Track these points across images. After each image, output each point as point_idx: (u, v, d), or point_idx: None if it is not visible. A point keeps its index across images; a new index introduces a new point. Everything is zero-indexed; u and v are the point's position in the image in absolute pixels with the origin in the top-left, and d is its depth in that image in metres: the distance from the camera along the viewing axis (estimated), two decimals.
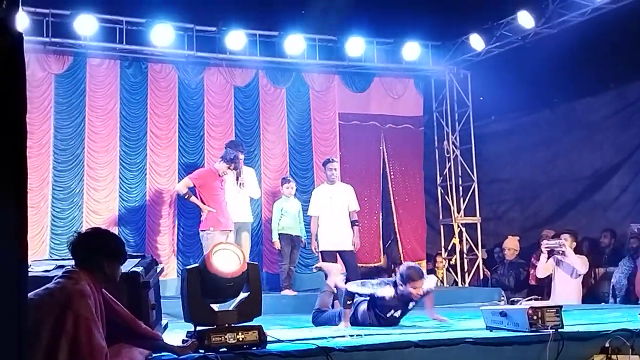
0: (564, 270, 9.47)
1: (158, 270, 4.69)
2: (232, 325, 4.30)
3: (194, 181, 9.00)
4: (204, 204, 8.86)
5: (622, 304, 8.94)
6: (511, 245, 11.15)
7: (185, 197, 8.97)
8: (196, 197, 9.03)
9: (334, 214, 9.21)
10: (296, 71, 11.78)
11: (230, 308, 4.47)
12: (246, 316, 4.40)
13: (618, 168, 11.58)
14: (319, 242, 9.33)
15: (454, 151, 12.70)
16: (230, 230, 8.98)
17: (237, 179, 9.44)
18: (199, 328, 4.29)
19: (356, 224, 9.27)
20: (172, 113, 11.06)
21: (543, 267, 9.52)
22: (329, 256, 9.16)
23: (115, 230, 9.81)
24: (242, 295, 4.48)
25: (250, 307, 4.44)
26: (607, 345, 4.77)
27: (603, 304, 9.38)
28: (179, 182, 10.15)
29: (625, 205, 11.30)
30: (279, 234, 9.72)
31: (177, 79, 11.13)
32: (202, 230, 8.91)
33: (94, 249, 3.77)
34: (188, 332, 4.35)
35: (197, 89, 11.23)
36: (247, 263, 4.38)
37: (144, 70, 10.98)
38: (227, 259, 4.29)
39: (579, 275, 9.43)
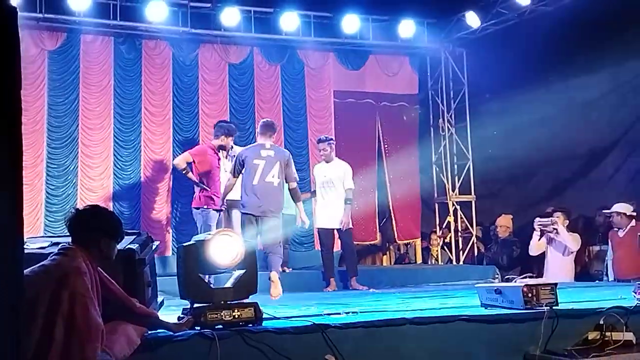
0: (556, 248, 9.51)
1: (154, 247, 4.69)
2: (228, 302, 4.32)
3: (194, 157, 8.89)
4: (200, 181, 8.79)
5: (616, 282, 8.99)
6: (504, 223, 11.20)
7: (183, 172, 8.87)
8: (193, 173, 8.96)
9: (328, 192, 9.20)
10: (291, 48, 11.75)
11: (226, 285, 4.48)
12: (242, 293, 4.41)
13: (613, 146, 11.60)
14: (316, 220, 9.31)
15: (449, 129, 12.70)
16: (223, 209, 8.86)
17: (226, 157, 9.33)
18: (195, 305, 4.29)
19: (348, 202, 9.19)
20: (166, 90, 11.03)
21: (535, 245, 9.55)
22: (324, 233, 9.17)
23: (110, 207, 9.80)
24: (238, 272, 4.49)
25: (246, 285, 4.45)
26: (601, 322, 4.79)
27: (597, 281, 9.43)
28: (173, 159, 10.12)
29: (619, 184, 11.32)
30: None
31: (171, 56, 11.09)
32: (195, 208, 8.87)
33: (91, 227, 3.76)
34: (184, 309, 4.36)
35: (191, 66, 11.19)
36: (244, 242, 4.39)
37: (138, 47, 10.93)
38: (225, 249, 4.30)
39: (571, 253, 9.47)
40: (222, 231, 4.50)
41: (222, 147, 8.93)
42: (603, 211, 9.55)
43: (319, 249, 9.53)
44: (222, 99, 11.34)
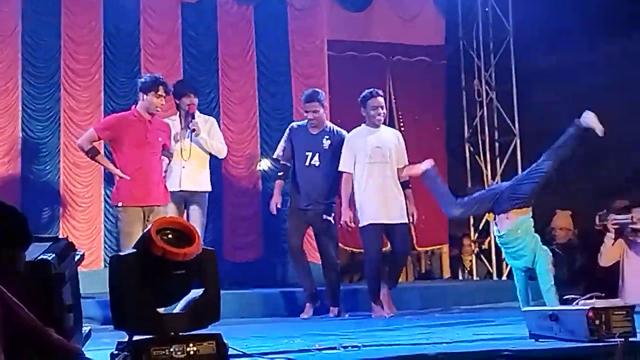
0: (636, 255, 9.55)
1: (77, 258, 4.68)
2: (181, 334, 4.31)
3: (100, 133, 8.64)
4: (116, 166, 8.43)
5: None
6: (562, 223, 11.21)
7: (89, 156, 8.61)
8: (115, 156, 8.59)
9: (379, 171, 9.00)
10: None
11: (178, 310, 4.47)
12: (200, 321, 4.40)
13: None
14: (361, 213, 9.05)
15: (488, 94, 12.73)
16: (159, 206, 8.62)
17: (188, 131, 9.22)
18: (134, 338, 4.29)
19: (409, 185, 9.03)
20: (95, 40, 11.00)
21: (609, 251, 9.58)
22: (371, 233, 8.87)
23: (17, 204, 9.78)
24: (194, 293, 4.48)
25: (206, 309, 4.44)
26: None
27: None
28: None
29: None
30: None
31: None
32: (113, 206, 8.67)
33: None
34: (119, 343, 4.35)
35: (130, 6, 11.15)
36: (202, 248, 4.38)
37: None
38: (176, 234, 4.29)
39: None
40: (167, 217, 4.48)
41: (150, 112, 8.55)
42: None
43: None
44: (174, 52, 11.30)
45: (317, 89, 9.42)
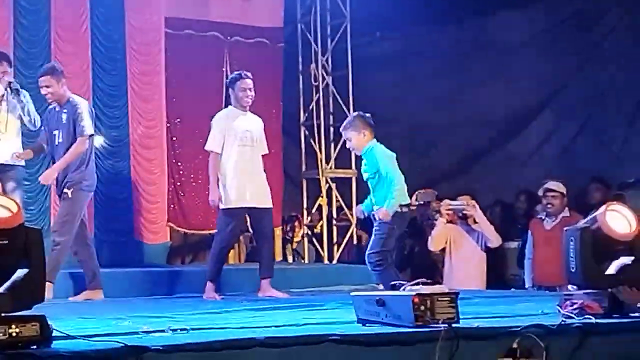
0: (466, 242, 9.78)
1: None
2: (3, 315, 4.21)
3: None
4: None
5: (537, 290, 9.35)
6: None
7: None
8: None
9: (249, 155, 9.01)
10: None
11: (1, 290, 4.36)
12: (23, 302, 4.31)
13: (540, 110, 12.03)
14: (224, 196, 8.96)
15: (324, 78, 12.82)
16: None
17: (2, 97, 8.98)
18: None
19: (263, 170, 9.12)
20: None
21: (439, 235, 9.79)
22: (235, 216, 8.88)
23: None
24: (19, 272, 4.38)
25: (30, 290, 4.35)
26: (514, 345, 4.94)
27: (513, 289, 9.76)
28: None
29: (546, 159, 11.76)
30: None
31: None
32: None
33: None
34: None
35: None
36: (26, 228, 4.28)
37: None
38: None
39: (487, 250, 9.77)
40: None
41: None
42: (543, 188, 9.66)
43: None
44: (2, 24, 10.96)
45: (54, 63, 9.25)
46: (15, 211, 4.22)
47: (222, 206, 8.80)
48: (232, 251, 12.88)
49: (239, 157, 8.84)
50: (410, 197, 10.24)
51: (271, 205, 9.06)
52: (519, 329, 5.01)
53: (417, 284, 5.21)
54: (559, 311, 5.48)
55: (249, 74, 9.14)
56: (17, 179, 8.97)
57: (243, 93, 9.00)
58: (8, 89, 8.75)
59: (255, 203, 8.86)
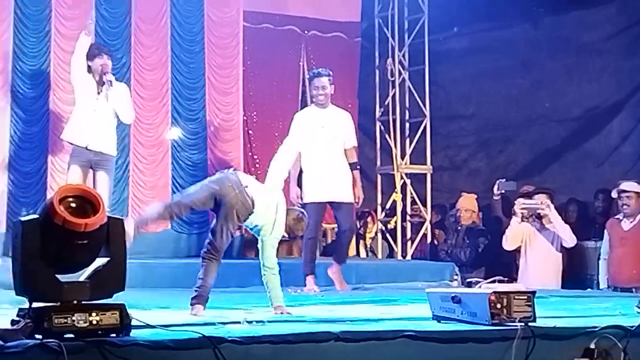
0: (540, 241, 9.70)
1: None
2: (84, 303, 4.26)
3: None
4: None
5: (613, 291, 9.23)
6: (467, 205, 11.36)
7: None
8: None
9: (325, 151, 9.15)
10: None
11: (82, 279, 4.42)
12: (104, 291, 4.36)
13: (619, 108, 11.86)
14: (303, 191, 9.15)
15: (400, 73, 12.77)
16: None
17: (100, 89, 9.24)
18: (35, 305, 4.23)
19: (357, 166, 9.26)
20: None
21: (514, 235, 9.71)
22: (315, 210, 8.94)
23: None
24: (99, 261, 4.44)
25: (110, 279, 4.40)
26: (592, 346, 4.89)
27: (589, 289, 9.66)
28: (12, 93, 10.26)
29: (626, 158, 11.59)
30: None
31: None
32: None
33: None
34: (20, 309, 4.29)
35: None
36: (108, 217, 4.33)
37: None
38: (79, 203, 4.22)
39: (562, 249, 9.68)
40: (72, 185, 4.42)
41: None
42: (617, 189, 9.56)
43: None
44: (84, 14, 11.04)
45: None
46: (100, 211, 4.26)
47: (304, 200, 8.94)
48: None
49: (317, 152, 8.97)
50: (492, 186, 10.24)
51: (351, 200, 9.16)
52: (596, 329, 4.96)
53: (494, 281, 5.18)
54: (638, 312, 5.41)
55: (324, 72, 9.25)
56: (108, 168, 9.24)
57: (316, 91, 9.19)
58: (107, 81, 8.99)
59: (335, 197, 9.00)
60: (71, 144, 9.35)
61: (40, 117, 10.70)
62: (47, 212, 4.22)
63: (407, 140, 12.74)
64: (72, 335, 4.15)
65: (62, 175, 10.27)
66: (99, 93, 9.19)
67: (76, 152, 9.21)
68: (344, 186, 9.10)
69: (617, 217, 9.59)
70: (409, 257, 12.39)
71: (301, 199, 8.97)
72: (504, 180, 10.28)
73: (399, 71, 12.76)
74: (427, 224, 12.48)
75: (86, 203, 4.30)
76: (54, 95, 10.70)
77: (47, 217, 4.21)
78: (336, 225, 9.57)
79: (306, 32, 12.49)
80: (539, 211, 9.62)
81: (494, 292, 4.97)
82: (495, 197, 10.42)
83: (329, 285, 9.13)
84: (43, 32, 10.89)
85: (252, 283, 9.15)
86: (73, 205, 4.26)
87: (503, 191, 10.19)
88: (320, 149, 9.03)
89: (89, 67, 9.23)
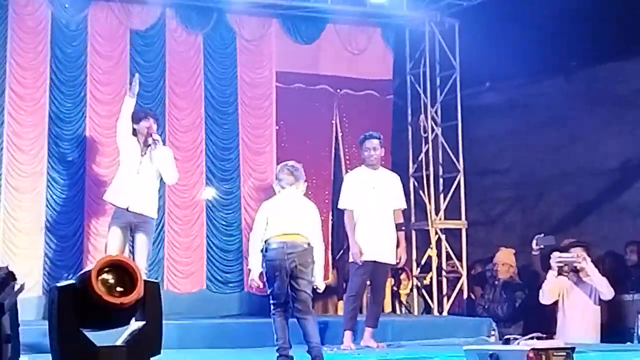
0: (578, 295, 9.62)
1: (17, 288, 4.60)
2: None
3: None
4: None
5: None
6: (505, 259, 11.29)
7: None
8: None
9: (375, 211, 9.21)
10: (218, 11, 11.74)
11: (118, 343, 4.41)
12: (140, 355, 4.35)
13: None
14: (355, 250, 9.18)
15: (433, 129, 12.77)
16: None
17: (145, 151, 9.32)
18: None
19: (402, 227, 9.39)
20: (41, 65, 10.93)
21: (551, 288, 9.64)
22: (363, 269, 9.07)
23: None
24: (135, 324, 4.43)
25: (146, 342, 4.38)
26: None
27: (629, 343, 9.55)
28: (50, 159, 10.19)
29: None
30: None
31: (49, 17, 10.98)
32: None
33: None
34: None
35: (78, 32, 11.13)
36: (145, 281, 4.33)
37: (2, 2, 10.80)
38: (118, 276, 4.22)
39: (600, 302, 9.59)
40: (111, 257, 4.42)
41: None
42: None
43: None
44: (120, 78, 11.22)
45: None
46: (137, 287, 4.25)
47: (353, 259, 9.09)
48: (340, 302, 12.91)
49: (367, 213, 9.10)
50: (530, 242, 10.20)
51: (394, 262, 9.31)
52: None
53: (532, 338, 5.14)
54: None
55: (375, 134, 9.46)
56: (148, 230, 9.29)
57: (367, 153, 9.36)
58: (152, 143, 9.10)
59: (380, 258, 9.10)
60: (112, 204, 9.42)
61: (76, 181, 10.82)
62: (84, 284, 4.23)
63: (442, 196, 12.70)
64: None
65: (99, 238, 10.37)
66: (142, 155, 9.27)
67: (117, 214, 9.28)
68: (390, 247, 9.21)
69: None
70: (445, 312, 12.30)
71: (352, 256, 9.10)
72: (542, 235, 10.22)
73: (432, 127, 12.76)
74: (463, 279, 12.40)
75: (125, 275, 4.30)
76: (90, 159, 10.80)
77: (84, 287, 4.21)
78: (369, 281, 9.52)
79: (338, 90, 12.51)
80: (575, 264, 9.55)
81: (533, 349, 4.94)
82: (534, 253, 10.35)
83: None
84: (79, 97, 11.06)
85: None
86: (111, 281, 4.26)
87: (542, 246, 10.14)
88: (370, 210, 9.15)
89: (134, 129, 9.34)
